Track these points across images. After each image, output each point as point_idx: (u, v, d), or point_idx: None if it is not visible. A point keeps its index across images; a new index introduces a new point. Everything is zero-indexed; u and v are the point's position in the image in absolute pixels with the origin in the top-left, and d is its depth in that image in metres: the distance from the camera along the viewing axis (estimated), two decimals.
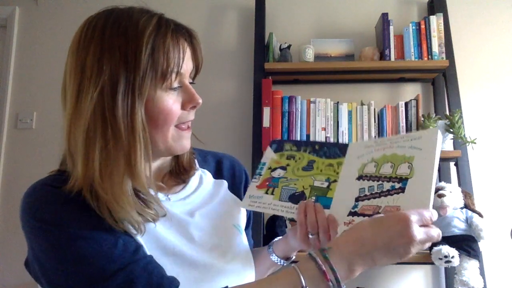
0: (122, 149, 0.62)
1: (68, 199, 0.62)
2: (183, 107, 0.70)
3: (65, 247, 0.60)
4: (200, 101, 0.71)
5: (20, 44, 2.43)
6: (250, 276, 0.78)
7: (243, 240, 0.82)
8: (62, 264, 0.60)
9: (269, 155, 0.83)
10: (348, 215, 0.68)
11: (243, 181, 0.90)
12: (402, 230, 0.57)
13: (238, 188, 0.87)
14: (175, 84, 0.68)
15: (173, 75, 0.67)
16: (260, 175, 0.81)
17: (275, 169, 0.80)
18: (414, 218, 0.57)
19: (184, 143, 0.73)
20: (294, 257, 0.86)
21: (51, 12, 2.45)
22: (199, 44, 0.73)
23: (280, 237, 0.87)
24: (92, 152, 0.62)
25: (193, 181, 0.80)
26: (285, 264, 0.85)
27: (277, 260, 0.84)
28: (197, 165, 0.84)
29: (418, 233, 0.57)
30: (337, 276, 0.56)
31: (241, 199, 0.86)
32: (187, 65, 0.70)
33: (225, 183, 0.85)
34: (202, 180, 0.82)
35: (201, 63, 0.75)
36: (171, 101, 0.68)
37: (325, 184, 0.74)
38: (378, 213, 0.65)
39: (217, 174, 0.86)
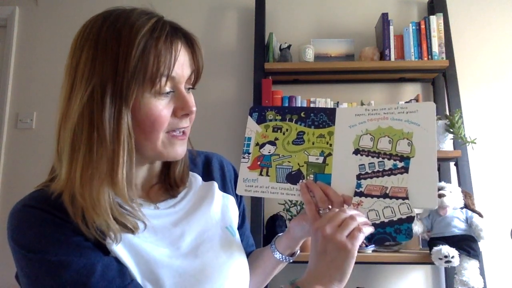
0: (105, 154, 0.61)
1: (46, 219, 0.62)
2: (175, 113, 0.67)
3: (43, 275, 0.60)
4: (194, 109, 0.68)
5: (20, 44, 2.43)
6: (245, 278, 0.77)
7: (236, 242, 0.80)
8: None
9: (252, 128, 0.77)
10: (355, 196, 0.69)
11: (233, 177, 0.88)
12: (316, 237, 0.65)
13: (228, 186, 0.86)
14: (166, 89, 0.65)
15: (163, 79, 0.64)
16: (249, 153, 0.76)
17: (263, 144, 0.76)
18: (319, 223, 0.65)
19: (177, 149, 0.69)
20: (298, 252, 0.85)
21: (51, 12, 2.45)
22: (199, 49, 0.70)
23: (281, 233, 0.85)
24: (77, 155, 0.61)
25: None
26: (290, 261, 0.84)
27: (281, 257, 0.82)
28: (190, 179, 0.81)
29: (326, 228, 0.64)
30: None
31: (233, 196, 0.85)
32: (183, 70, 0.67)
33: (215, 184, 0.83)
34: (192, 185, 0.80)
35: (201, 68, 0.71)
36: (160, 107, 0.65)
37: (321, 159, 0.72)
38: (386, 193, 0.67)
39: (207, 175, 0.84)
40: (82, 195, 0.60)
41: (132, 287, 0.63)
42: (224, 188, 0.85)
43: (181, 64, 0.67)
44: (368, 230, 0.65)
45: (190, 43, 0.69)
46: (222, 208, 0.81)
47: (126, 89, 0.61)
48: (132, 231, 0.65)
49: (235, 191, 0.86)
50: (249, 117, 0.79)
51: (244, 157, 0.76)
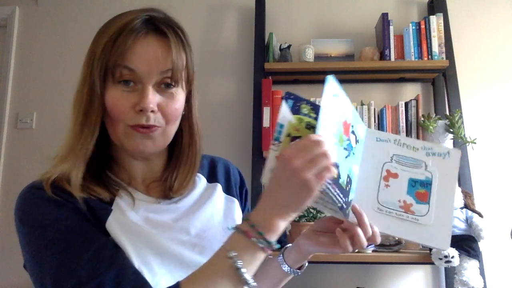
0: (74, 132, 0.71)
1: (50, 198, 0.68)
2: (134, 108, 0.69)
3: (42, 250, 0.65)
4: (146, 106, 0.68)
5: (20, 44, 2.43)
6: None
7: None
8: (41, 266, 0.64)
9: (286, 115, 0.72)
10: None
11: (238, 182, 0.90)
12: (282, 165, 0.60)
13: (233, 190, 0.87)
14: (123, 79, 0.69)
15: (121, 70, 0.68)
16: (279, 141, 0.69)
17: (295, 137, 0.68)
18: (288, 152, 0.60)
19: (136, 142, 0.71)
20: (307, 264, 0.83)
21: (51, 12, 2.45)
22: (175, 46, 0.71)
23: (290, 244, 0.84)
24: (68, 136, 0.72)
25: None
26: (299, 274, 0.82)
27: (289, 270, 0.81)
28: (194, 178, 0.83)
29: (295, 160, 0.59)
30: (258, 229, 0.60)
31: (237, 199, 0.86)
32: (149, 66, 0.68)
33: (219, 186, 0.84)
34: (196, 184, 0.82)
35: (178, 67, 0.71)
36: (117, 96, 0.69)
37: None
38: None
39: (211, 177, 0.86)
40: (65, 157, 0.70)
41: (127, 267, 0.64)
42: (228, 191, 0.86)
43: (147, 60, 0.69)
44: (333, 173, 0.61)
45: (167, 39, 0.71)
46: (225, 209, 0.82)
47: (95, 80, 0.69)
48: (113, 194, 0.71)
49: (240, 194, 0.89)
50: (283, 102, 0.74)
51: (274, 144, 0.68)
